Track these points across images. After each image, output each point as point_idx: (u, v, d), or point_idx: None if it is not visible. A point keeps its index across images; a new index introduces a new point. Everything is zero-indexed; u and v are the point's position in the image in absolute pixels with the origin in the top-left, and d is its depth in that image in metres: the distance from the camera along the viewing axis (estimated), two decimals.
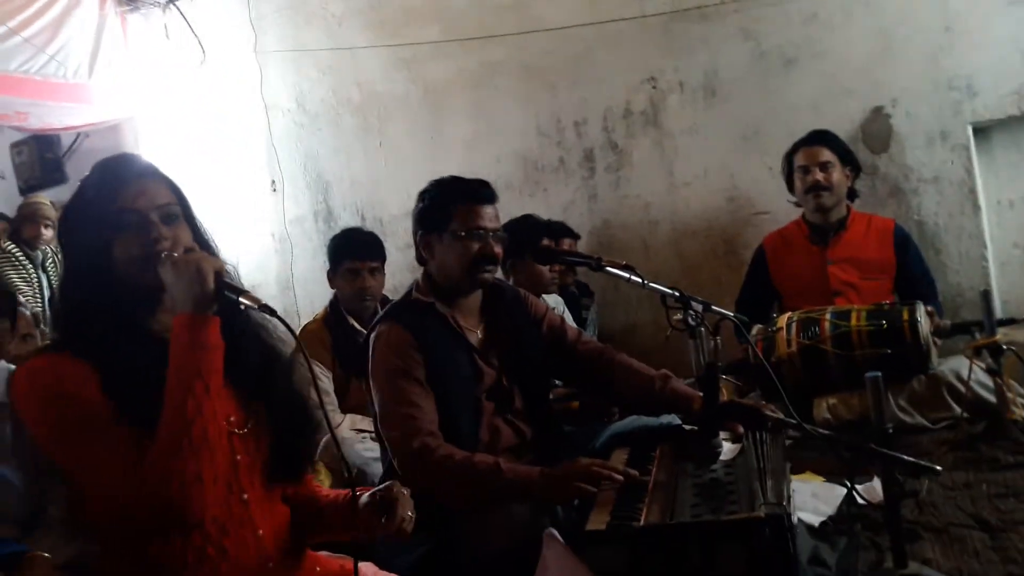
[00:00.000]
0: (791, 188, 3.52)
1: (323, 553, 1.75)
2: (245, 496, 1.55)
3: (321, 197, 4.96)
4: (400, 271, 4.38)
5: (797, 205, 3.54)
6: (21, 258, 4.66)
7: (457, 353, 2.24)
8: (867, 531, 2.18)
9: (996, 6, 3.64)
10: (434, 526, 1.92)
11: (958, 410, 2.85)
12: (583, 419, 3.03)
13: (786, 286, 3.51)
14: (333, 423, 2.75)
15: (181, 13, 4.94)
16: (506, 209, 2.37)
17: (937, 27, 3.73)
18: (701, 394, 2.17)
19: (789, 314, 3.13)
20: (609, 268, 2.33)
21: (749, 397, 2.91)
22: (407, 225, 4.61)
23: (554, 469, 1.97)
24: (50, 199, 4.93)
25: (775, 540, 1.53)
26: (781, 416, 2.13)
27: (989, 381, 2.83)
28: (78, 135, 5.47)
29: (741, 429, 2.06)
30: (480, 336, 2.32)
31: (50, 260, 4.78)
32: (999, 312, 3.39)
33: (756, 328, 3.16)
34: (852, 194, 3.49)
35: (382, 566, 1.76)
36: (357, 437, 3.02)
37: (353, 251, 3.27)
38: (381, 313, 2.38)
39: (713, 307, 2.28)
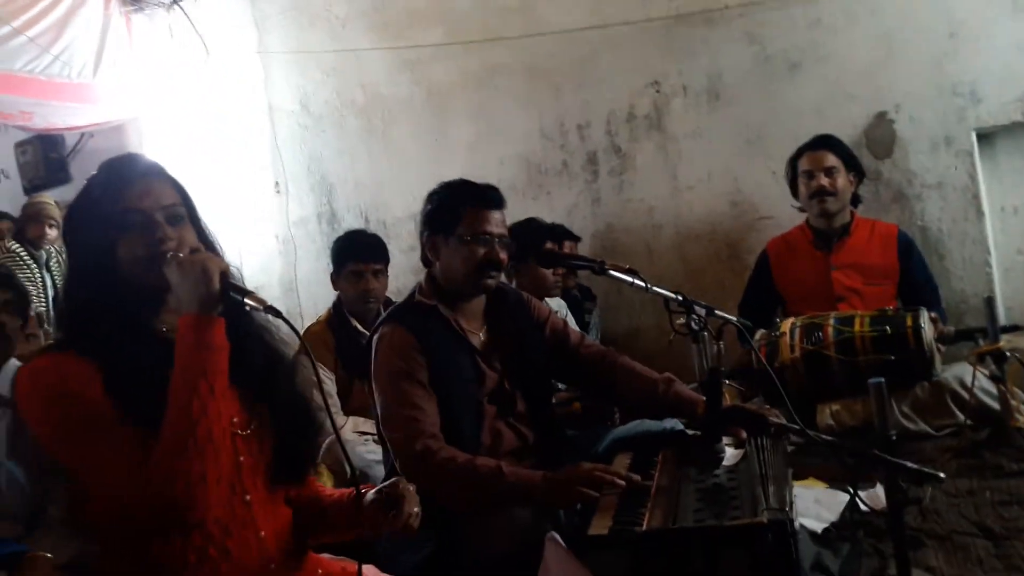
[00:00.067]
0: (795, 193, 3.52)
1: (325, 555, 1.74)
2: (248, 497, 1.55)
3: (325, 199, 4.96)
4: (403, 273, 4.38)
5: (801, 210, 3.54)
6: (25, 258, 4.66)
7: (459, 356, 2.24)
8: (870, 538, 2.18)
9: (1001, 12, 3.64)
10: (436, 529, 1.92)
11: (962, 417, 2.84)
12: (585, 422, 3.04)
13: (790, 291, 3.51)
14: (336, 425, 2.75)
15: (185, 13, 4.94)
16: (509, 212, 2.37)
17: (941, 33, 3.73)
18: (704, 399, 2.16)
19: (792, 319, 3.13)
20: (612, 272, 2.33)
21: (752, 402, 2.91)
22: (410, 227, 4.69)
23: (556, 473, 1.97)
24: (54, 199, 4.93)
25: (778, 546, 1.53)
26: (784, 421, 2.12)
27: (993, 388, 2.83)
28: (82, 135, 5.48)
29: (744, 434, 2.06)
30: (483, 339, 2.32)
31: (54, 260, 4.78)
32: (1003, 319, 3.38)
33: (759, 333, 3.15)
34: (856, 199, 3.48)
35: (384, 568, 1.76)
36: (359, 439, 3.02)
37: (357, 253, 3.27)
38: (384, 315, 2.38)
39: (716, 311, 2.28)
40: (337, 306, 3.32)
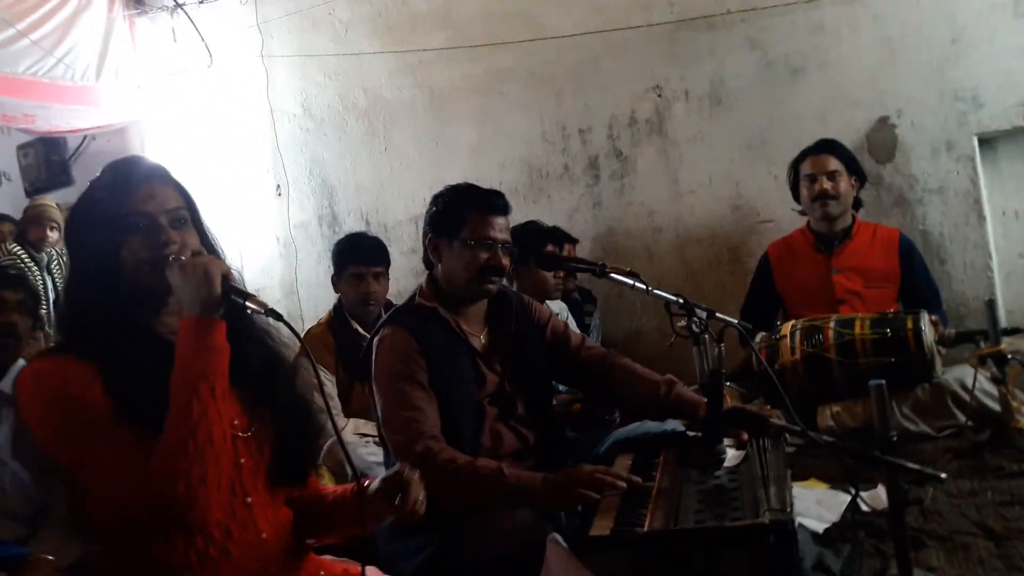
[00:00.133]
0: (796, 197, 3.53)
1: (327, 557, 1.75)
2: (249, 499, 1.55)
3: (326, 202, 4.96)
4: (404, 276, 4.39)
5: (802, 213, 3.54)
6: (27, 260, 4.66)
7: (460, 358, 2.24)
8: (871, 538, 2.18)
9: (1002, 18, 3.65)
10: (438, 530, 1.93)
11: (962, 419, 2.85)
12: (585, 423, 3.04)
13: (790, 294, 3.51)
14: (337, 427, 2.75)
15: (188, 17, 4.96)
16: (510, 215, 2.38)
17: (943, 38, 3.74)
18: (705, 400, 2.17)
19: (793, 322, 3.13)
20: (614, 274, 2.33)
21: (753, 404, 2.91)
22: (411, 230, 4.70)
23: (557, 475, 1.97)
24: (56, 201, 4.94)
25: (779, 547, 1.53)
26: (785, 423, 2.13)
27: (993, 390, 2.83)
28: (85, 138, 5.49)
29: (745, 436, 2.06)
30: (483, 341, 2.32)
31: (55, 262, 4.78)
32: (1003, 322, 3.39)
33: (760, 336, 3.16)
34: (857, 203, 3.49)
35: (386, 570, 1.76)
36: (360, 441, 3.02)
37: (358, 256, 3.28)
38: (384, 317, 2.38)
39: (717, 314, 2.28)
40: (338, 308, 3.33)
